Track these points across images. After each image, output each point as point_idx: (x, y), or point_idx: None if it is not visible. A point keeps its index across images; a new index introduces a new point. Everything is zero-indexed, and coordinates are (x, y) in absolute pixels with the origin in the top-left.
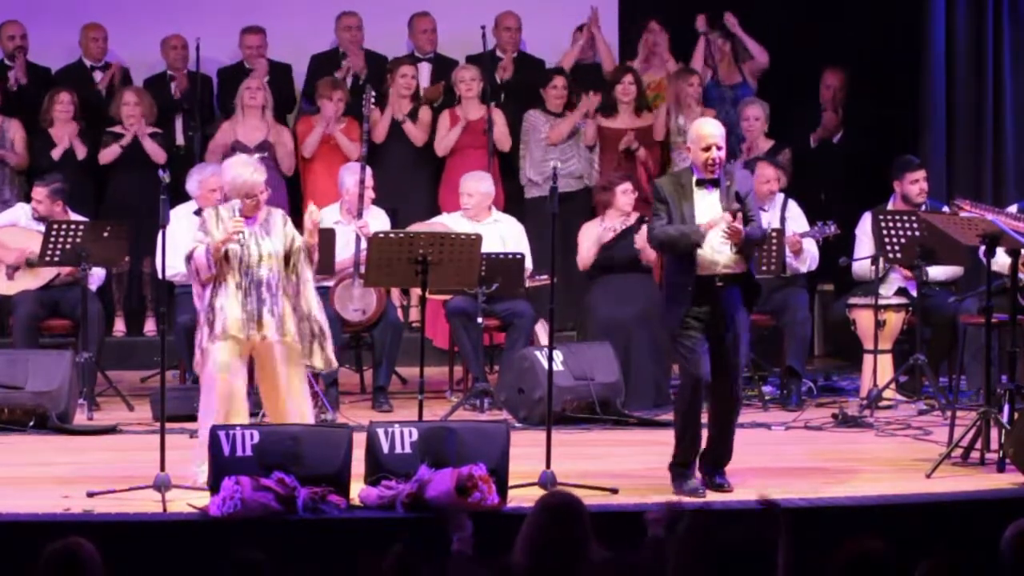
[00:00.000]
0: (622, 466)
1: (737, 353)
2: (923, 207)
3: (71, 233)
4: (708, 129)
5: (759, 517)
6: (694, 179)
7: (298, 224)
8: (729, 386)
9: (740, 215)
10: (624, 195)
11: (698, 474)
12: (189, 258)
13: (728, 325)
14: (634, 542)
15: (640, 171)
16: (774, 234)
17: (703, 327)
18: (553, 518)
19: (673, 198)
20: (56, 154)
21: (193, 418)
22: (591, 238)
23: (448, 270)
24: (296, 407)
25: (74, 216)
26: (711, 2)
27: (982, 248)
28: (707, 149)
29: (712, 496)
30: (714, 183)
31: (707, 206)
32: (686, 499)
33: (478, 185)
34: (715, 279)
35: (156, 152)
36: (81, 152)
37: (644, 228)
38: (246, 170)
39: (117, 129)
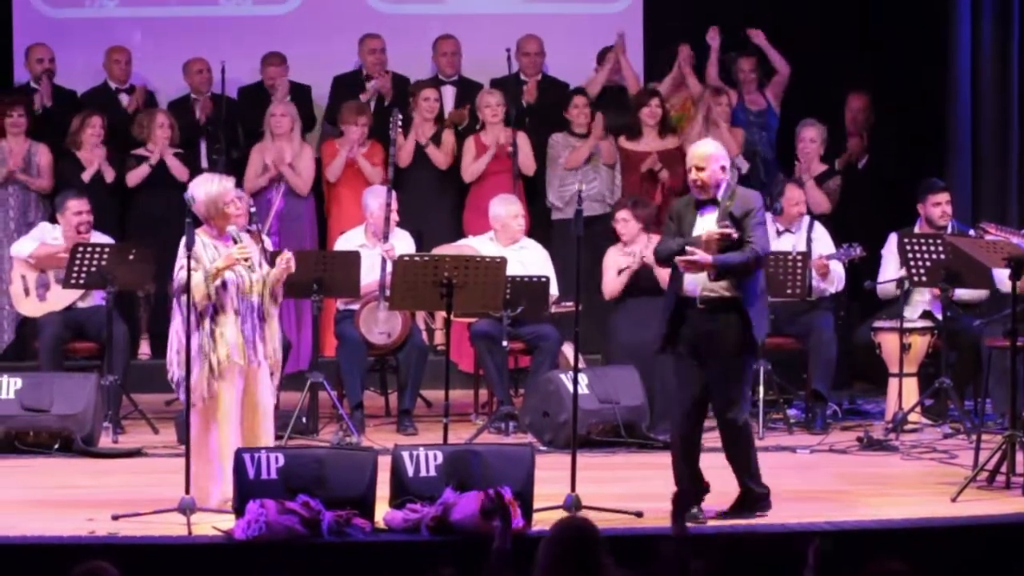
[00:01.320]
0: (647, 489)
1: (722, 379)
2: (948, 229)
3: (96, 256)
4: (691, 151)
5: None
6: (695, 200)
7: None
8: (718, 411)
9: (713, 242)
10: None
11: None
12: (186, 288)
13: (708, 350)
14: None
15: (659, 194)
16: (799, 257)
17: (687, 350)
18: (568, 544)
19: (680, 217)
20: (87, 177)
21: None
22: (616, 266)
23: (473, 293)
24: (268, 426)
25: (99, 237)
26: (736, 23)
27: (1007, 271)
28: (688, 171)
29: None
30: (712, 203)
31: (703, 227)
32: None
33: (519, 208)
34: (696, 301)
35: (179, 169)
36: (109, 175)
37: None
38: (211, 184)
39: (142, 152)
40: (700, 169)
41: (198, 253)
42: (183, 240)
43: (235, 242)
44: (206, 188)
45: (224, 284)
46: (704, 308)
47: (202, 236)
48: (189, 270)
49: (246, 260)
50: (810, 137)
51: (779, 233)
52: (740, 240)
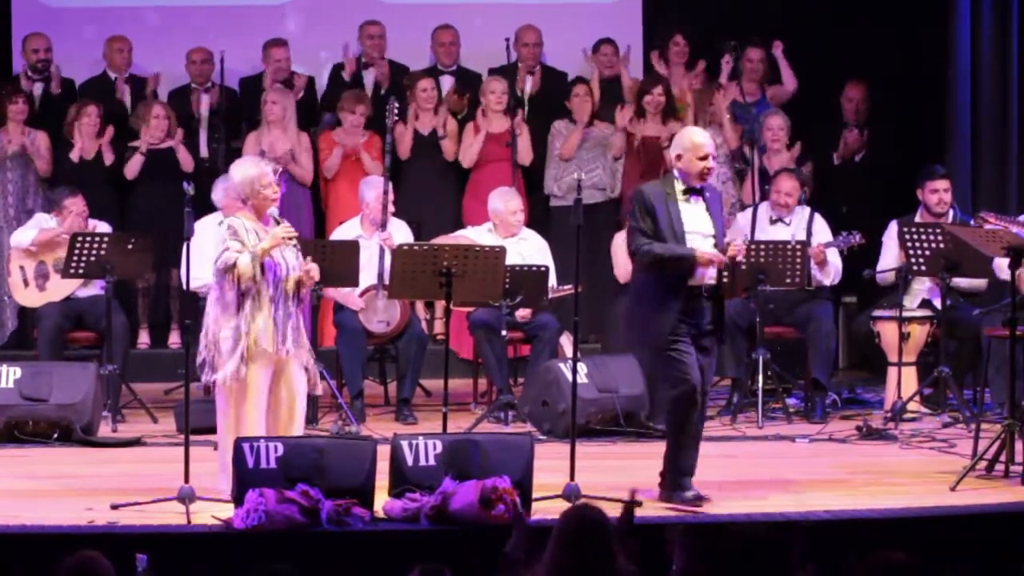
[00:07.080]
0: (646, 478)
1: (711, 367)
2: (948, 217)
3: (96, 245)
4: (701, 138)
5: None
6: (680, 187)
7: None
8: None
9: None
10: None
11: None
12: (231, 268)
13: (709, 336)
14: (658, 553)
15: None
16: (798, 246)
17: (689, 337)
18: (578, 532)
19: (659, 207)
20: (75, 156)
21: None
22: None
23: (472, 282)
24: (300, 418)
25: (99, 226)
26: (738, 20)
27: (1007, 260)
28: (704, 158)
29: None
30: (698, 193)
31: (692, 215)
32: (688, 509)
33: (519, 203)
34: (702, 290)
35: (187, 161)
36: (108, 158)
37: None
38: (251, 166)
39: (137, 142)
40: (715, 158)
41: (241, 235)
42: (229, 228)
43: (276, 223)
44: (243, 170)
45: (262, 268)
46: (707, 297)
47: (243, 219)
48: (188, 259)
49: (291, 240)
50: (778, 125)
51: (772, 222)
52: None
